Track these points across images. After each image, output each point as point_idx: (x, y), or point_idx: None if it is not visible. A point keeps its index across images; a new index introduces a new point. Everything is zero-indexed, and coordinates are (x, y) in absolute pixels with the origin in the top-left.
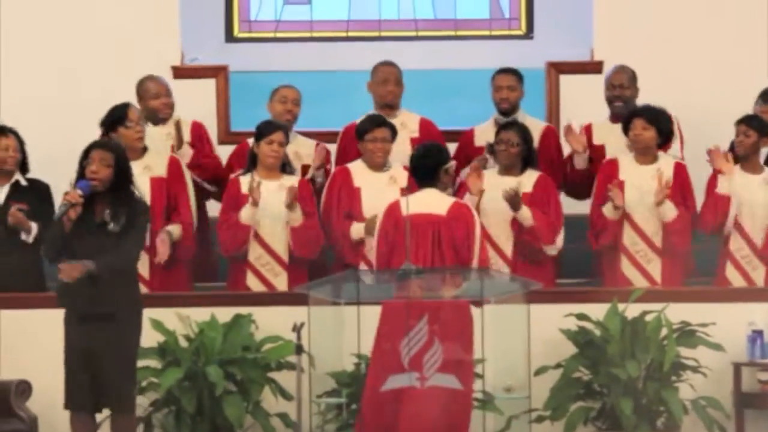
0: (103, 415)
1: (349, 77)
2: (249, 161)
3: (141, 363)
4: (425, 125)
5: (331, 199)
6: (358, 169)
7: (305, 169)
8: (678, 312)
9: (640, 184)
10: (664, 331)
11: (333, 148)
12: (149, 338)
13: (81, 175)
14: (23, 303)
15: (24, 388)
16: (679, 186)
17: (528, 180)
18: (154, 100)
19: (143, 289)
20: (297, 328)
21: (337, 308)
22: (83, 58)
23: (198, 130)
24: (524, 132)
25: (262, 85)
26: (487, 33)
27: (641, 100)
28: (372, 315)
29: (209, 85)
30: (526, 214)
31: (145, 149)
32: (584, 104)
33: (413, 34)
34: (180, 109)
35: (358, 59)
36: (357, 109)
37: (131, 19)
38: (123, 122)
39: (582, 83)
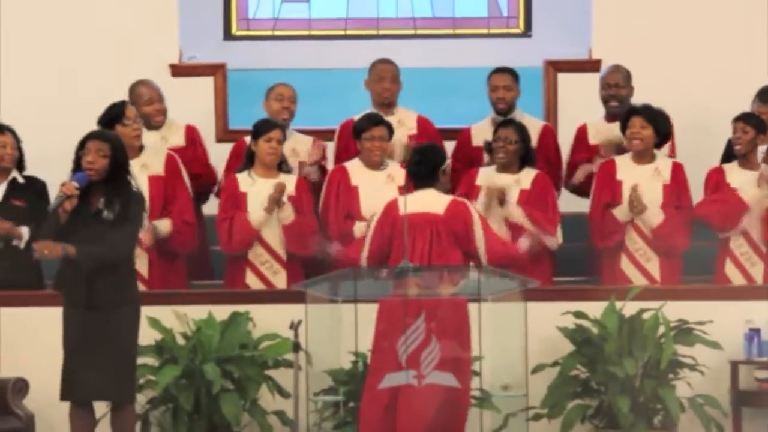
0: (102, 411)
1: (347, 75)
2: (246, 159)
3: (138, 360)
4: (422, 123)
5: (329, 198)
6: (355, 167)
7: (302, 164)
8: (675, 310)
9: (639, 184)
10: (661, 329)
11: (330, 145)
12: (146, 336)
13: (77, 165)
14: (21, 301)
15: (21, 386)
16: (676, 186)
17: (526, 178)
18: (147, 106)
19: (141, 287)
20: (294, 326)
21: (335, 306)
22: (82, 57)
23: (191, 133)
24: (522, 130)
25: (260, 83)
26: (485, 31)
27: (638, 99)
28: (369, 313)
29: (207, 83)
30: (513, 210)
31: (142, 147)
32: (582, 103)
33: (411, 32)
34: (178, 108)
35: (356, 57)
36: (355, 107)
37: (129, 18)
38: (120, 120)
39: (580, 82)
